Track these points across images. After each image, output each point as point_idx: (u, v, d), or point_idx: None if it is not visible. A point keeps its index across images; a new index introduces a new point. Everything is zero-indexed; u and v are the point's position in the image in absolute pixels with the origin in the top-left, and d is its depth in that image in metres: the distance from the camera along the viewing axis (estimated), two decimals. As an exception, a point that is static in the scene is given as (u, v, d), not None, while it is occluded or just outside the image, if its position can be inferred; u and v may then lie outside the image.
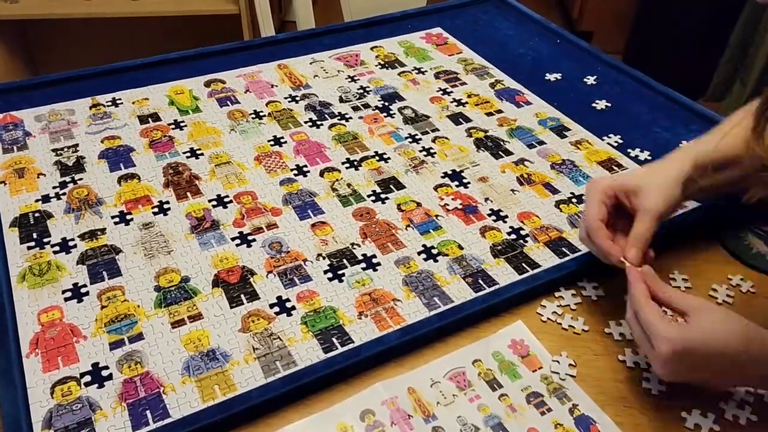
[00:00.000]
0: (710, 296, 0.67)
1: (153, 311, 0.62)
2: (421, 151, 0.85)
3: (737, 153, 0.60)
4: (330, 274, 0.66)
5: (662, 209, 0.60)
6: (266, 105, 0.93)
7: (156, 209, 0.74)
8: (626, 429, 0.55)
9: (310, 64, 1.04)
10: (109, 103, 0.92)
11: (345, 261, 0.68)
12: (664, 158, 0.66)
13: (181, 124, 0.88)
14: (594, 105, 0.96)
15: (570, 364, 0.59)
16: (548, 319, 0.64)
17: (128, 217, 0.73)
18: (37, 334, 0.59)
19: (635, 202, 0.62)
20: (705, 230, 0.75)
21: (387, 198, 0.77)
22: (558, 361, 0.59)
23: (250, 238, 0.71)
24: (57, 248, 0.68)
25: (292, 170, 0.81)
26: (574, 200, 0.77)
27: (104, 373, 0.56)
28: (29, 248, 0.68)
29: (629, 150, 0.86)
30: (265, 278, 0.66)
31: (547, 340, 0.62)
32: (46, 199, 0.75)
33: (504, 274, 0.67)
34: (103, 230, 0.71)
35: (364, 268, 0.67)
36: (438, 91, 0.98)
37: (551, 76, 1.03)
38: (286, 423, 0.54)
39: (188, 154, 0.83)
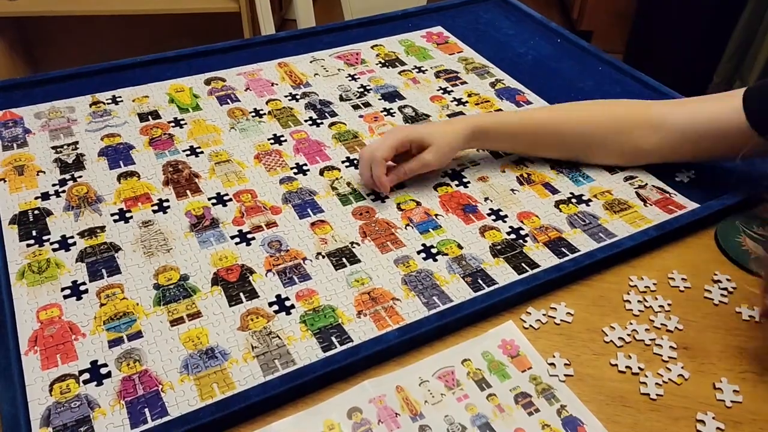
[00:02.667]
0: (707, 298, 0.67)
1: (152, 309, 0.62)
2: (421, 150, 0.85)
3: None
4: (329, 273, 0.66)
5: (435, 165, 0.77)
6: (266, 103, 0.93)
7: (155, 207, 0.74)
8: (624, 429, 0.55)
9: (311, 62, 1.04)
10: (109, 101, 0.92)
11: (344, 260, 0.68)
12: (455, 120, 0.81)
13: (181, 122, 0.88)
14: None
15: (565, 364, 0.59)
16: (539, 321, 0.64)
17: (128, 214, 0.73)
18: (36, 331, 0.59)
19: (420, 151, 0.77)
20: (703, 230, 0.75)
21: (387, 197, 0.77)
22: (554, 364, 0.59)
23: (249, 236, 0.71)
24: (56, 246, 0.68)
25: (291, 169, 0.81)
26: (573, 200, 0.77)
27: (103, 371, 0.56)
28: (28, 246, 0.68)
29: (629, 150, 0.86)
30: (265, 277, 0.66)
31: (545, 339, 0.62)
32: (45, 196, 0.75)
33: (503, 274, 0.67)
34: (102, 228, 0.71)
35: (363, 267, 0.67)
36: (438, 90, 0.98)
37: (552, 76, 1.02)
38: (284, 422, 0.54)
39: (188, 152, 0.83)
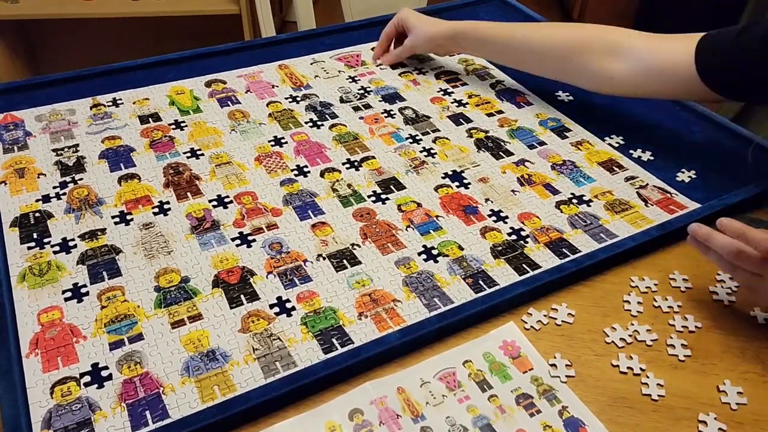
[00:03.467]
0: (715, 300, 0.67)
1: (153, 311, 0.62)
2: (421, 151, 0.85)
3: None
4: (330, 275, 0.66)
5: (412, 48, 1.00)
6: (267, 105, 0.93)
7: (156, 209, 0.74)
8: (626, 429, 0.55)
9: (311, 64, 1.04)
10: (110, 103, 0.92)
11: (345, 261, 0.68)
12: (441, 21, 0.98)
13: (182, 125, 0.88)
14: (593, 105, 0.96)
15: (567, 365, 0.59)
16: (540, 322, 0.64)
17: (128, 217, 0.73)
18: (37, 334, 0.59)
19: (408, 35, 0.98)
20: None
21: (387, 198, 0.77)
22: (555, 365, 0.59)
23: (250, 238, 0.70)
24: (57, 248, 0.68)
25: (292, 171, 0.81)
26: (574, 201, 0.77)
27: (104, 373, 0.56)
28: (29, 248, 0.68)
29: (631, 151, 0.86)
30: (265, 279, 0.66)
31: (547, 340, 0.62)
32: (46, 199, 0.75)
33: (504, 275, 0.67)
34: (103, 230, 0.71)
35: (364, 269, 0.67)
36: (439, 91, 0.98)
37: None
38: (285, 424, 0.54)
39: (189, 155, 0.83)
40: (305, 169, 0.81)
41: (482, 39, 0.92)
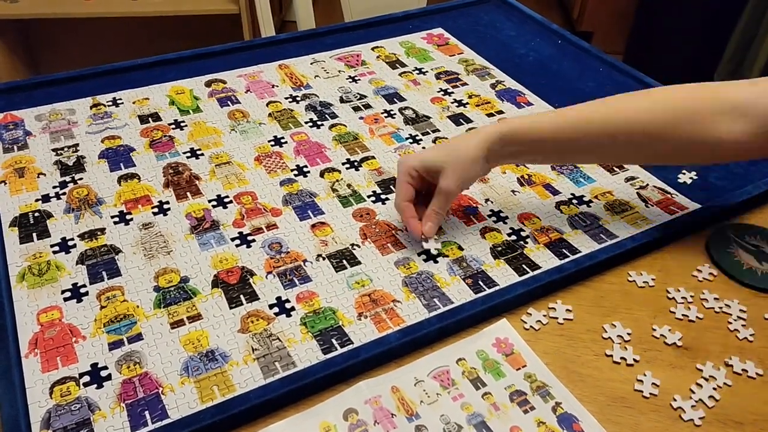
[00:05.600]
0: (706, 308, 0.67)
1: (152, 311, 0.62)
2: (421, 151, 0.85)
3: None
4: (330, 275, 0.66)
5: (455, 189, 0.67)
6: (267, 105, 0.93)
7: (156, 209, 0.74)
8: (626, 429, 0.55)
9: (311, 64, 1.04)
10: (110, 103, 0.92)
11: (345, 261, 0.68)
12: (473, 132, 0.69)
13: (182, 124, 0.88)
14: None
15: (566, 365, 0.59)
16: (540, 322, 0.64)
17: (128, 217, 0.73)
18: (36, 334, 0.59)
19: (437, 180, 0.67)
20: (704, 231, 0.74)
21: (387, 199, 0.77)
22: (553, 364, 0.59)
23: (249, 238, 0.70)
24: (56, 248, 0.68)
25: (292, 170, 0.81)
26: (574, 201, 0.77)
27: (103, 373, 0.56)
28: (29, 248, 0.68)
29: (630, 151, 0.86)
30: (265, 279, 0.66)
31: (546, 340, 0.62)
32: (46, 198, 0.75)
33: (504, 276, 0.67)
34: (102, 230, 0.71)
35: (363, 269, 0.67)
36: (439, 91, 0.98)
37: (552, 77, 1.02)
38: (285, 424, 0.54)
39: (188, 154, 0.83)
40: (305, 169, 0.81)
41: (543, 136, 0.67)
